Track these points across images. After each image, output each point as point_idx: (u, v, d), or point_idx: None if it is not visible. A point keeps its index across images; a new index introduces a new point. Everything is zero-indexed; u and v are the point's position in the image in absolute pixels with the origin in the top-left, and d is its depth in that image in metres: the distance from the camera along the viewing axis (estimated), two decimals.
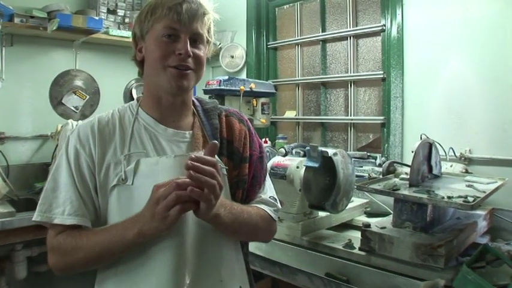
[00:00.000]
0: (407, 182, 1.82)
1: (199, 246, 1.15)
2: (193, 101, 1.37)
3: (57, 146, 2.92)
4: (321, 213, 2.08)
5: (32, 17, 2.86)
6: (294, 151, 2.10)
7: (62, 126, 2.92)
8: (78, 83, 3.18)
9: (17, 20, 2.79)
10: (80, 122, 1.29)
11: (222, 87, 2.53)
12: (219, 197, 1.07)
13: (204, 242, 1.17)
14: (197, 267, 1.14)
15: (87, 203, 1.18)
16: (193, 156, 1.04)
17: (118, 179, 1.16)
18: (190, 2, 1.20)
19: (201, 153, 1.12)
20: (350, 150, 3.00)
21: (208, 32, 1.27)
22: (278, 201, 1.40)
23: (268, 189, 1.41)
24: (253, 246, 2.11)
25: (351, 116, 3.04)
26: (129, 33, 3.05)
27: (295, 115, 3.42)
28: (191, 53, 1.19)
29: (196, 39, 1.22)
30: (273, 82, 3.22)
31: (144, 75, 1.28)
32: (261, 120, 2.84)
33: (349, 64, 3.05)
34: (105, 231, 1.13)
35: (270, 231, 1.39)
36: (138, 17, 1.24)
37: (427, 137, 1.92)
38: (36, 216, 1.17)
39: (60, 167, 1.20)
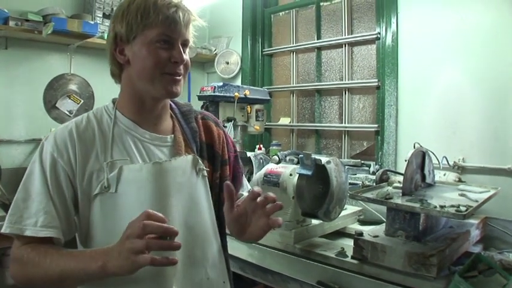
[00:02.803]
0: (401, 190, 1.82)
1: (186, 248, 1.15)
2: (170, 103, 1.36)
3: None
4: (314, 221, 2.07)
5: (27, 20, 2.85)
6: (287, 158, 2.10)
7: None
8: (73, 87, 3.17)
9: (12, 23, 2.77)
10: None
11: (217, 93, 2.53)
12: None
13: (191, 243, 1.19)
14: (185, 267, 1.17)
15: (60, 214, 1.12)
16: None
17: (101, 187, 1.12)
18: (185, 10, 1.19)
19: (184, 158, 1.21)
20: (344, 158, 3.00)
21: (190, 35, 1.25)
22: None
23: (246, 186, 1.50)
24: (246, 254, 2.10)
25: (345, 123, 3.04)
26: None
27: (290, 122, 3.43)
28: (183, 59, 1.18)
29: (185, 45, 1.21)
30: (267, 89, 3.23)
31: (125, 78, 1.24)
32: (255, 126, 2.83)
33: (343, 72, 3.06)
34: (71, 256, 1.06)
35: None
36: (121, 17, 1.17)
37: (421, 146, 1.92)
38: (5, 228, 1.09)
39: (33, 175, 1.14)
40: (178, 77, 1.19)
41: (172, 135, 1.28)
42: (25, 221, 1.09)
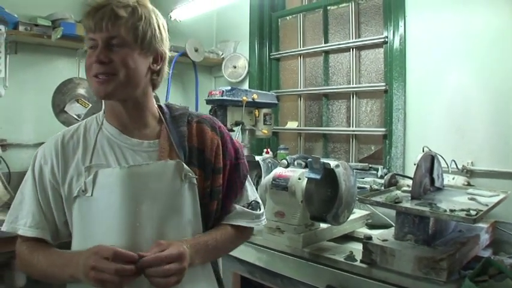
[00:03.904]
0: (409, 194, 1.82)
1: None
2: (162, 107, 1.34)
3: None
4: (323, 225, 2.07)
5: (37, 25, 2.88)
6: (295, 162, 2.10)
7: None
8: (81, 91, 3.19)
9: (21, 28, 2.81)
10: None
11: (225, 97, 2.53)
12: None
13: None
14: None
15: (47, 217, 1.22)
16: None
17: (78, 190, 1.17)
18: (104, 5, 1.13)
19: (163, 163, 1.19)
20: (352, 162, 3.00)
21: (136, 31, 1.16)
22: (260, 203, 1.41)
23: (249, 195, 1.39)
24: (254, 257, 2.11)
25: (352, 127, 3.04)
26: None
27: (297, 126, 3.42)
28: (103, 59, 1.13)
29: (112, 44, 1.14)
30: (275, 93, 3.23)
31: None
32: (263, 130, 2.83)
33: (351, 75, 3.06)
34: (54, 258, 1.17)
35: (244, 240, 1.45)
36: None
37: (429, 150, 1.92)
38: (4, 226, 1.23)
39: (27, 181, 1.25)
40: (100, 78, 1.14)
41: (157, 140, 1.26)
42: (19, 221, 1.21)
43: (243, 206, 1.36)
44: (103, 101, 1.30)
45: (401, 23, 2.59)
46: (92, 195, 1.16)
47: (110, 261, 1.01)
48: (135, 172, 1.16)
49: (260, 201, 1.42)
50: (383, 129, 2.81)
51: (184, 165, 1.21)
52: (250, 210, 1.36)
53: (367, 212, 2.41)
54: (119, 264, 1.01)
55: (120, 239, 1.11)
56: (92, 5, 1.14)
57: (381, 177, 2.60)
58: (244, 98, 2.61)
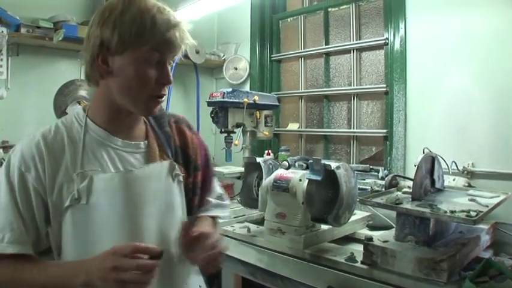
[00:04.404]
0: (410, 195, 1.82)
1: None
2: None
3: None
4: (324, 226, 2.07)
5: (39, 27, 2.88)
6: (296, 164, 2.11)
7: None
8: (83, 93, 3.18)
9: (23, 30, 2.81)
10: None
11: (226, 99, 2.53)
12: None
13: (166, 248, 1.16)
14: (164, 277, 1.16)
15: (29, 229, 1.08)
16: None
17: (71, 199, 1.08)
18: (182, 30, 1.14)
19: (159, 164, 1.22)
20: (353, 163, 3.00)
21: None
22: (224, 194, 1.52)
23: (217, 188, 1.51)
24: (255, 259, 2.11)
25: (353, 128, 3.05)
26: None
27: (298, 127, 3.43)
28: (172, 82, 1.16)
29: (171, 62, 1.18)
30: (276, 94, 3.24)
31: (103, 87, 1.16)
32: (264, 132, 2.84)
33: (352, 77, 3.06)
34: (55, 269, 1.07)
35: None
36: (113, 26, 1.07)
37: (430, 151, 1.92)
38: None
39: None
40: (161, 99, 1.17)
41: (146, 141, 1.25)
42: None
43: (215, 199, 1.47)
44: (94, 100, 1.21)
45: (401, 25, 2.60)
46: (87, 203, 1.09)
47: (130, 258, 0.97)
48: (137, 175, 1.17)
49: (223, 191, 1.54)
50: (384, 130, 2.82)
51: (176, 165, 1.26)
52: (223, 202, 1.49)
53: (368, 213, 2.41)
54: (140, 260, 0.97)
55: (125, 243, 1.08)
56: (171, 21, 1.11)
57: (382, 178, 2.61)
58: (246, 99, 2.62)
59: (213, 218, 1.44)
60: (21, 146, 1.13)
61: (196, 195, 1.35)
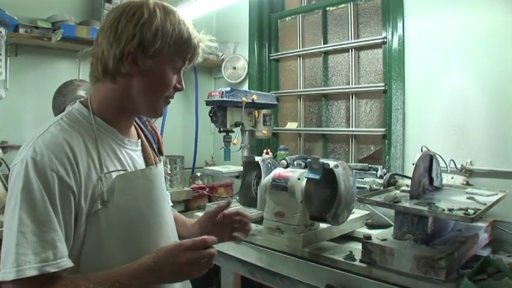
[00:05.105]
0: (408, 194, 1.83)
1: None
2: None
3: None
4: (322, 225, 2.08)
5: (37, 27, 2.88)
6: (295, 163, 2.11)
7: None
8: (81, 92, 3.19)
9: (21, 30, 2.81)
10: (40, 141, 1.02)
11: (224, 98, 2.53)
12: None
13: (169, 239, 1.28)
14: None
15: (68, 238, 1.01)
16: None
17: (101, 201, 1.06)
18: (204, 45, 1.26)
19: (161, 162, 1.35)
20: (351, 162, 3.01)
21: None
22: None
23: None
24: (255, 258, 2.11)
25: (352, 127, 3.05)
26: None
27: (297, 126, 3.44)
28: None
29: None
30: (274, 94, 3.24)
31: (121, 85, 1.14)
32: (263, 131, 2.84)
33: (350, 76, 3.07)
34: (121, 272, 1.01)
35: None
36: (155, 30, 1.09)
37: (428, 149, 1.93)
38: (30, 270, 0.90)
39: (34, 204, 0.95)
40: (170, 101, 1.26)
41: (139, 140, 1.31)
42: (47, 257, 0.94)
43: None
44: (102, 96, 1.18)
45: (399, 24, 2.61)
46: (112, 203, 1.08)
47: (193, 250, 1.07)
48: (154, 173, 1.25)
49: None
50: (382, 129, 2.82)
51: (161, 159, 1.40)
52: None
53: (366, 212, 2.41)
54: (206, 250, 1.08)
55: (147, 240, 1.17)
56: (199, 36, 1.22)
57: (380, 177, 2.61)
58: (244, 99, 2.62)
59: None
60: (45, 147, 1.00)
61: None
